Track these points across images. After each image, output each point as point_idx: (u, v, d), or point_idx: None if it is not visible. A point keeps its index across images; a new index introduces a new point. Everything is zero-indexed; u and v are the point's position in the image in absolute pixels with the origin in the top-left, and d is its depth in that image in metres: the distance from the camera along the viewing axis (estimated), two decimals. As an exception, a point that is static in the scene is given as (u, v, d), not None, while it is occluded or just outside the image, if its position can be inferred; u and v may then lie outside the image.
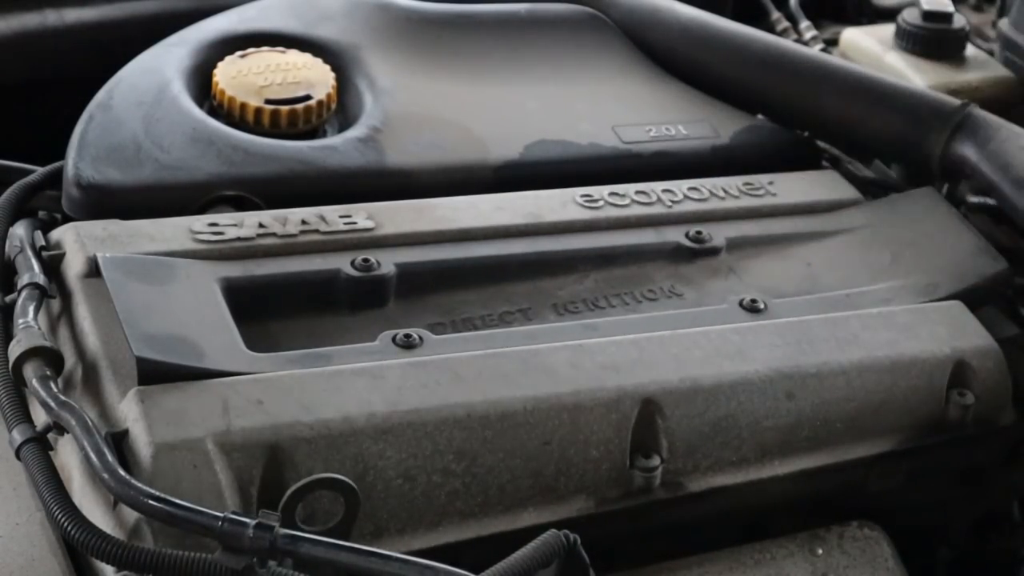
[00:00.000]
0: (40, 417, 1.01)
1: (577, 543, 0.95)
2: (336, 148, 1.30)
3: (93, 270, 1.11)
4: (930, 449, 1.21)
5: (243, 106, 1.31)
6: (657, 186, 1.33)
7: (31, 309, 1.08)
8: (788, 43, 1.53)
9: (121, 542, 0.92)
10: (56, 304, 1.13)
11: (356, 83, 1.39)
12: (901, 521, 1.19)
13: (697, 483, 1.12)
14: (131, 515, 0.95)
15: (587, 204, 1.29)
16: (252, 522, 0.90)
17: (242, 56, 1.37)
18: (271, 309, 1.13)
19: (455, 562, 0.92)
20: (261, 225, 1.19)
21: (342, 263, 1.17)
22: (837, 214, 1.36)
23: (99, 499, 0.98)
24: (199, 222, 1.18)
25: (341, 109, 1.37)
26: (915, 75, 1.65)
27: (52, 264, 1.14)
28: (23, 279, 1.11)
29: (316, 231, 1.19)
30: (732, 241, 1.29)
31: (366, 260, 1.17)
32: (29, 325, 1.05)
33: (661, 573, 1.10)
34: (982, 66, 1.69)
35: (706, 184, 1.35)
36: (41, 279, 1.11)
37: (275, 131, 1.31)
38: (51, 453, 1.00)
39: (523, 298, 1.21)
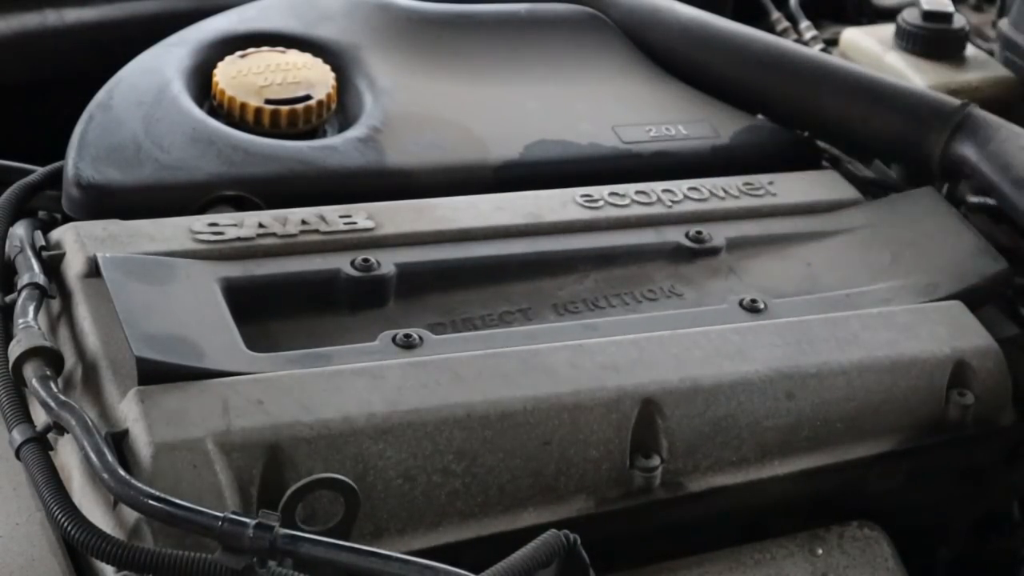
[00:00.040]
0: (40, 417, 1.01)
1: (577, 543, 0.95)
2: (336, 148, 1.30)
3: (93, 270, 1.11)
4: (930, 449, 1.21)
5: (243, 106, 1.31)
6: (657, 186, 1.33)
7: (31, 309, 1.08)
8: (788, 43, 1.53)
9: (121, 542, 0.92)
10: (56, 304, 1.13)
11: (356, 83, 1.39)
12: (901, 521, 1.19)
13: (697, 483, 1.12)
14: (131, 515, 0.95)
15: (587, 204, 1.29)
16: (252, 522, 0.90)
17: (242, 56, 1.37)
18: (271, 309, 1.13)
19: (455, 562, 0.92)
20: (261, 225, 1.19)
21: (342, 263, 1.17)
22: (837, 214, 1.36)
23: (99, 499, 0.98)
24: (199, 222, 1.18)
25: (341, 109, 1.37)
26: (915, 75, 1.65)
27: (52, 264, 1.14)
28: (23, 279, 1.11)
29: (316, 231, 1.19)
30: (732, 241, 1.29)
31: (366, 260, 1.17)
32: (29, 325, 1.05)
33: (661, 573, 1.10)
34: (982, 66, 1.69)
35: (706, 184, 1.35)
36: (41, 279, 1.11)
37: (275, 131, 1.31)
38: (51, 453, 1.00)
39: (523, 298, 1.21)
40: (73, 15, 1.60)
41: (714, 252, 1.28)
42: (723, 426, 1.12)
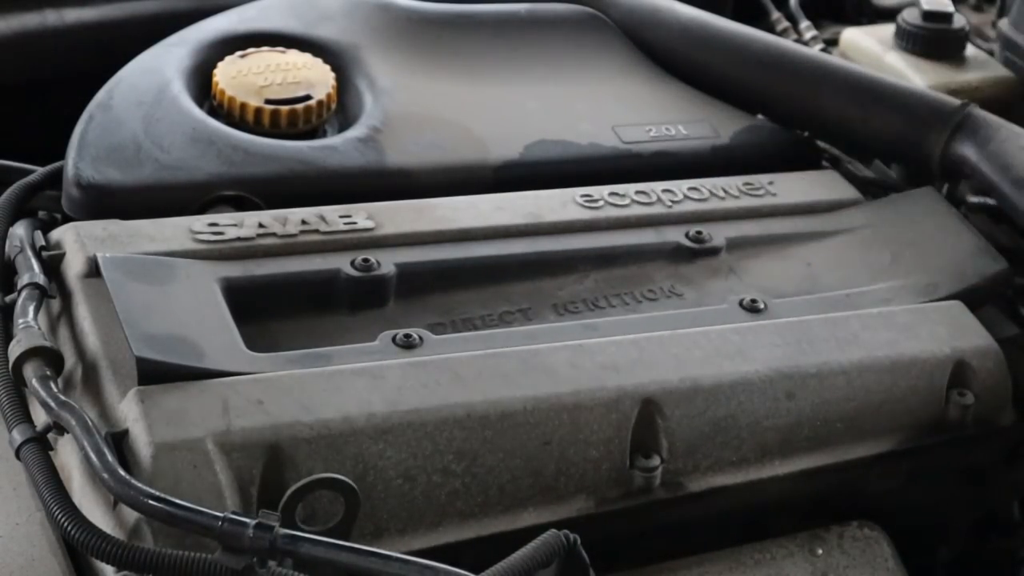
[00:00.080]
0: (40, 417, 1.01)
1: (577, 543, 0.95)
2: (336, 148, 1.30)
3: (93, 270, 1.11)
4: (930, 449, 1.21)
5: (243, 106, 1.31)
6: (657, 186, 1.33)
7: (31, 309, 1.08)
8: (788, 43, 1.53)
9: (121, 542, 0.92)
10: (56, 304, 1.13)
11: (356, 83, 1.39)
12: (901, 521, 1.19)
13: (697, 483, 1.12)
14: (131, 515, 0.95)
15: (587, 204, 1.29)
16: (252, 522, 0.90)
17: (242, 56, 1.37)
18: (271, 309, 1.13)
19: (455, 562, 0.92)
20: (261, 225, 1.19)
21: (342, 263, 1.17)
22: (837, 214, 1.36)
23: (99, 499, 0.98)
24: (199, 222, 1.18)
25: (341, 109, 1.37)
26: (915, 75, 1.65)
27: (52, 264, 1.14)
28: (23, 279, 1.11)
29: (316, 231, 1.19)
30: (732, 241, 1.29)
31: (366, 260, 1.17)
32: (29, 325, 1.05)
33: (661, 573, 1.10)
34: (982, 66, 1.69)
35: (706, 184, 1.35)
36: (41, 279, 1.11)
37: (275, 131, 1.31)
38: (51, 453, 1.00)
39: (523, 298, 1.21)
40: (73, 15, 1.60)
41: (714, 252, 1.28)
42: (723, 426, 1.12)
